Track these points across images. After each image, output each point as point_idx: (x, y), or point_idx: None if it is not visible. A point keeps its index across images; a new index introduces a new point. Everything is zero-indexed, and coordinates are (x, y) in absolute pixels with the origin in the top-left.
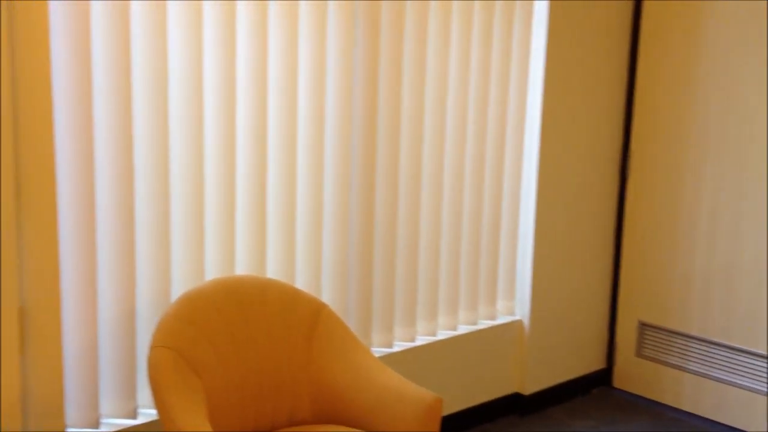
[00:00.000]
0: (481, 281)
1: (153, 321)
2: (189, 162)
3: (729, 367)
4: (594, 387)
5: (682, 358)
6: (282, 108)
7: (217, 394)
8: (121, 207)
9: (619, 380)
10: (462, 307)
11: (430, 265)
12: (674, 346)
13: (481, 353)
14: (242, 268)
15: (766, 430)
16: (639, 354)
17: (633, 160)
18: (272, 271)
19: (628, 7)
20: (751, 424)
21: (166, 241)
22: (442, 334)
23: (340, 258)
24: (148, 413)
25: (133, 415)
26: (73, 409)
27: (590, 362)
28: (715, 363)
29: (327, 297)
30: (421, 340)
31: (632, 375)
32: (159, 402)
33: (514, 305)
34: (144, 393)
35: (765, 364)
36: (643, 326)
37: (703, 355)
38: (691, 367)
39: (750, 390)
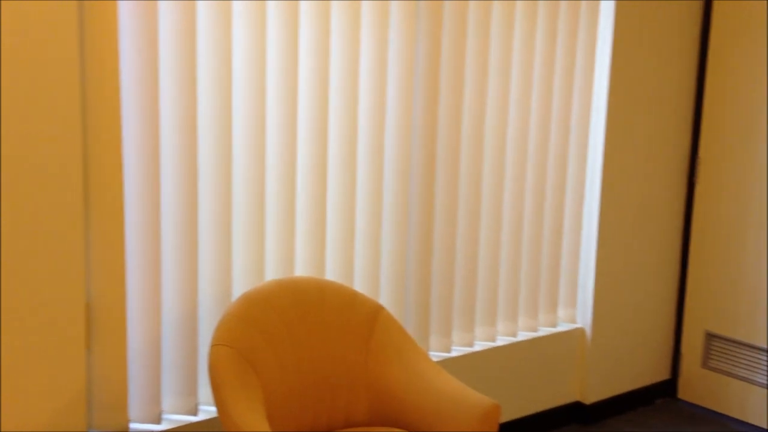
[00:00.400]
0: (542, 287)
1: (214, 320)
2: (251, 163)
3: None
4: (658, 398)
5: (750, 371)
6: (343, 108)
7: (275, 393)
8: (185, 208)
9: (684, 391)
10: (522, 314)
11: (489, 270)
12: (742, 358)
13: (541, 361)
14: (301, 269)
15: None
16: (705, 365)
17: (701, 166)
18: (331, 273)
19: (697, 7)
20: None
21: (227, 242)
22: (502, 341)
23: (399, 261)
24: (208, 410)
25: (194, 411)
26: (135, 405)
27: (654, 372)
28: None
29: (385, 300)
30: (479, 346)
31: (697, 386)
32: (218, 399)
33: (576, 313)
34: (204, 390)
35: None
36: (710, 336)
37: None
38: (758, 380)
39: None
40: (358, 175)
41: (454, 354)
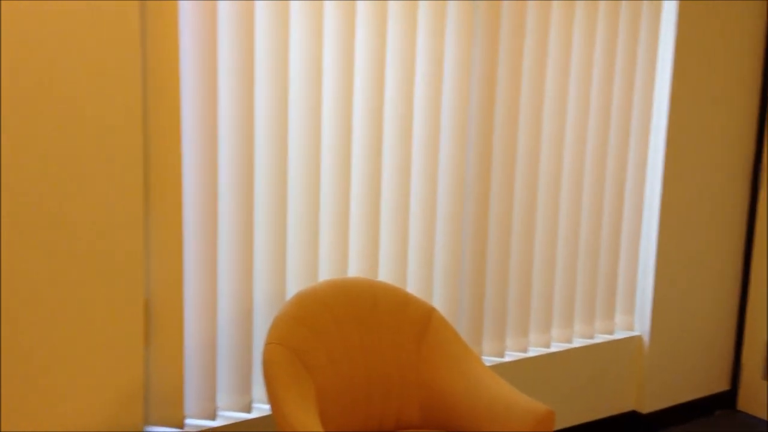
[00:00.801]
0: (599, 294)
1: (268, 318)
2: (306, 165)
3: None
4: (717, 409)
5: None
6: (398, 109)
7: (327, 393)
8: (241, 209)
9: (744, 403)
10: (578, 320)
11: (545, 275)
12: None
13: (596, 368)
14: (355, 271)
15: None
16: (767, 376)
17: (766, 171)
18: (384, 275)
19: (762, 6)
20: None
21: (282, 243)
22: (556, 347)
23: (453, 264)
24: (262, 408)
25: (248, 409)
26: (191, 401)
27: (714, 383)
28: None
29: (438, 303)
30: (533, 352)
31: (758, 398)
32: (272, 397)
33: (633, 320)
34: (258, 388)
35: None
36: None
37: None
38: None
39: None
40: (413, 176)
41: (507, 359)
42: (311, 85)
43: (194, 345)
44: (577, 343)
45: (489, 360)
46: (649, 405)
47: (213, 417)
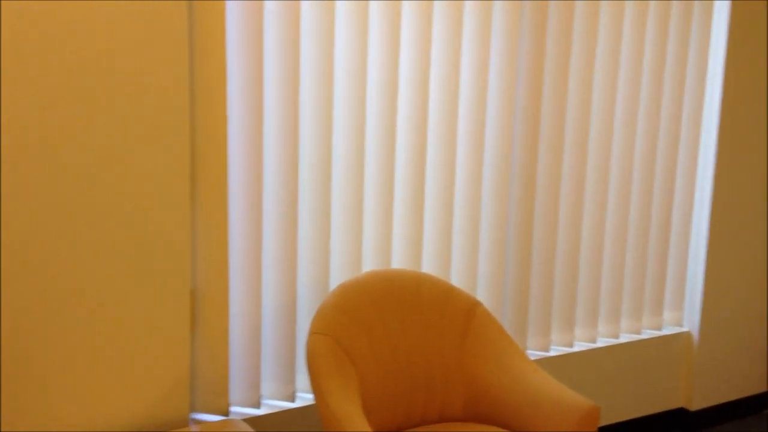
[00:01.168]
0: (647, 289)
1: (312, 309)
2: (350, 158)
3: None
4: (767, 408)
5: None
6: (443, 105)
7: (370, 384)
8: (286, 201)
9: None
10: (625, 316)
11: (591, 269)
12: None
13: (644, 364)
14: (398, 262)
15: None
16: None
17: None
18: (428, 266)
19: None
20: None
21: (326, 234)
22: (603, 342)
23: (497, 257)
24: (305, 397)
25: (292, 398)
26: (236, 389)
27: (765, 380)
28: None
29: (482, 295)
30: (579, 347)
31: None
32: (315, 386)
33: (682, 316)
34: (302, 377)
35: None
36: None
37: None
38: None
39: None
40: (457, 168)
41: (552, 354)
42: (356, 83)
43: (239, 334)
44: (624, 338)
45: (534, 354)
46: (697, 402)
47: (257, 405)
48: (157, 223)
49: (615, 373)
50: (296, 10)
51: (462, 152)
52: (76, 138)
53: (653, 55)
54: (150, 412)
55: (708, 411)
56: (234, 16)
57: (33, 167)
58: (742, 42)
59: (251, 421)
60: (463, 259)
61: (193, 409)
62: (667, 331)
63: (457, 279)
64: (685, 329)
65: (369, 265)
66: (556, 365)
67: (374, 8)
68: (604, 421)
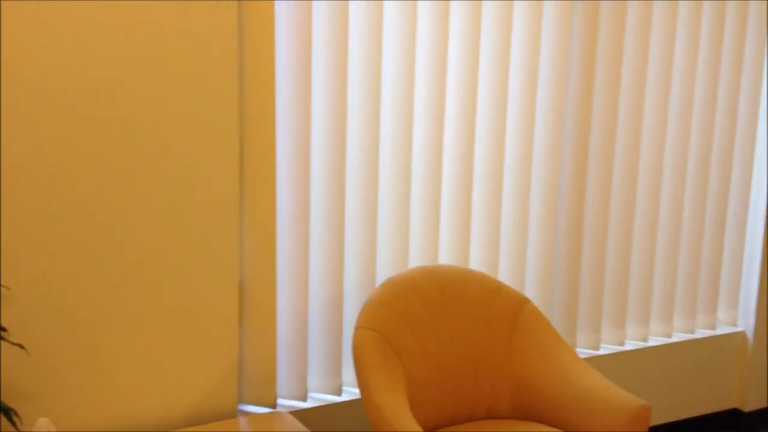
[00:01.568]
0: (701, 288)
1: (358, 303)
2: (398, 154)
3: None
4: None
5: None
6: (491, 101)
7: (417, 379)
8: (333, 197)
9: None
10: (677, 314)
11: (643, 267)
12: None
13: (696, 364)
14: (445, 258)
15: None
16: None
17: None
18: (475, 262)
19: None
20: None
21: (373, 229)
22: (654, 341)
23: (546, 253)
24: (351, 392)
25: (338, 392)
26: (283, 382)
27: None
28: None
29: (530, 292)
30: (630, 345)
31: None
32: (361, 381)
33: (737, 315)
34: (348, 372)
35: None
36: None
37: None
38: None
39: None
40: (506, 165)
41: (602, 352)
42: (404, 81)
43: (286, 327)
44: (677, 337)
45: (583, 353)
46: (751, 403)
47: (304, 398)
48: (206, 217)
49: (666, 372)
50: (345, 9)
51: (510, 148)
52: (131, 136)
53: (708, 53)
54: (199, 403)
55: (762, 412)
56: (283, 16)
57: (90, 164)
58: None
59: (298, 414)
60: (511, 256)
61: (241, 400)
62: (721, 330)
63: (504, 275)
64: (739, 329)
65: (416, 260)
66: (606, 364)
67: (423, 7)
68: (655, 421)
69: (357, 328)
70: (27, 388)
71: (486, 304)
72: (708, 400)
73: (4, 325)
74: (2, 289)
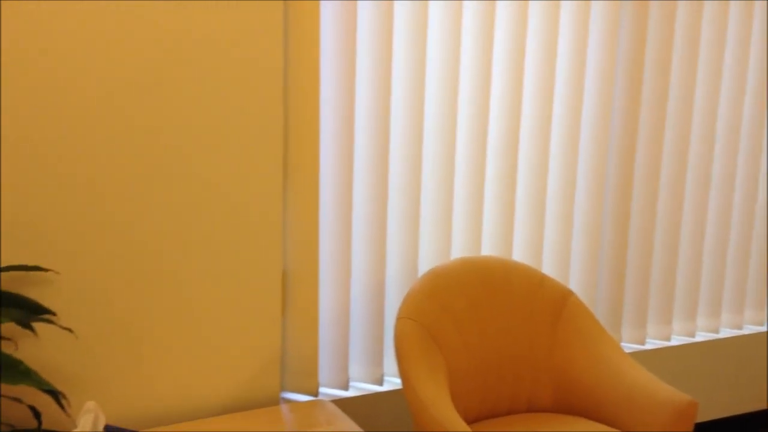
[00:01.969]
0: (750, 283)
1: (400, 294)
2: (441, 146)
3: None
4: None
5: None
6: (537, 97)
7: (458, 370)
8: (376, 187)
9: None
10: (725, 310)
11: (691, 261)
12: None
13: (745, 360)
14: (488, 249)
15: None
16: None
17: None
18: (518, 255)
19: None
20: None
21: (415, 220)
22: (702, 337)
23: (591, 246)
24: (393, 381)
25: (380, 381)
26: (325, 371)
27: None
28: None
29: (574, 285)
30: (676, 341)
31: None
32: (403, 371)
33: None
34: (389, 362)
35: None
36: None
37: None
38: None
39: None
40: (551, 156)
41: (648, 347)
42: (449, 77)
43: (328, 316)
44: (724, 333)
45: (628, 347)
46: None
47: (346, 387)
48: (251, 208)
49: (713, 368)
50: (390, 9)
51: (556, 141)
52: (181, 133)
53: (759, 52)
54: (242, 390)
55: None
56: (328, 16)
57: (142, 157)
58: None
59: (339, 402)
60: (555, 248)
61: (284, 388)
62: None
63: (548, 268)
64: None
65: (458, 252)
66: (651, 359)
67: (468, 7)
68: (702, 418)
69: (398, 319)
70: (75, 373)
71: (529, 296)
72: (757, 397)
73: (53, 309)
74: (51, 274)
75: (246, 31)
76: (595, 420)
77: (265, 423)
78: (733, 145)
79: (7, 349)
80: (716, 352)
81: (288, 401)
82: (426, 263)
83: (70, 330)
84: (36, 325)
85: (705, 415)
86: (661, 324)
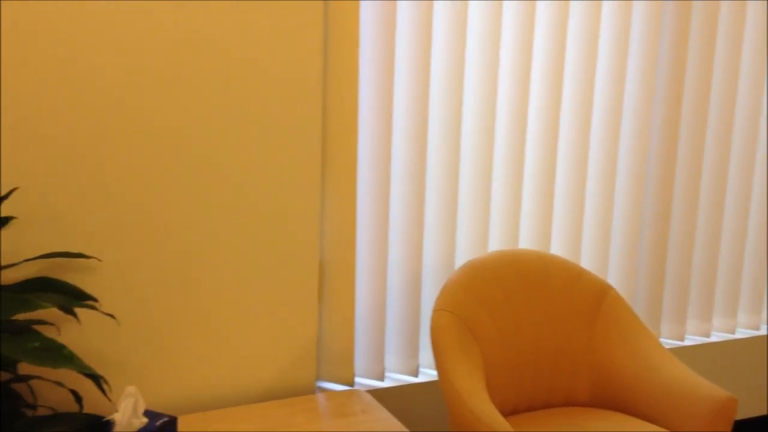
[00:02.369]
0: None
1: (437, 286)
2: (479, 137)
3: None
4: None
5: None
6: (578, 90)
7: (494, 362)
8: (414, 178)
9: None
10: (767, 305)
11: (732, 257)
12: None
13: None
14: (526, 243)
15: None
16: None
17: None
18: (556, 248)
19: None
20: None
21: (452, 212)
22: (742, 333)
23: (631, 240)
24: (428, 373)
25: (415, 373)
26: (361, 361)
27: None
28: None
29: (613, 280)
30: (716, 337)
31: None
32: (439, 363)
33: None
34: (425, 353)
35: None
36: None
37: None
38: None
39: None
40: (591, 148)
41: (687, 343)
42: (488, 75)
43: (365, 307)
44: (765, 330)
45: (667, 343)
46: None
47: (381, 378)
48: (290, 199)
49: (754, 365)
50: (429, 9)
51: (596, 131)
52: (221, 124)
53: None
54: (279, 378)
55: None
56: (368, 15)
57: (187, 150)
58: None
59: (375, 393)
60: (594, 242)
61: (320, 377)
62: None
63: (587, 261)
64: None
65: (495, 244)
66: (691, 355)
67: (508, 7)
68: (742, 415)
69: (435, 311)
70: (115, 358)
71: (567, 290)
72: None
73: (94, 295)
74: (93, 261)
75: (286, 30)
76: (633, 415)
77: (301, 411)
78: None
79: (50, 333)
80: (756, 349)
81: (324, 390)
82: (463, 256)
83: (112, 316)
84: (78, 311)
85: (745, 413)
86: (700, 320)
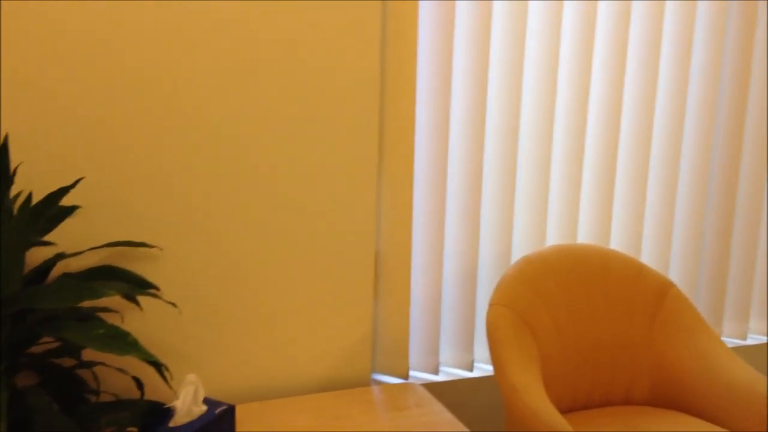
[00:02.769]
0: None
1: (493, 280)
2: (538, 130)
3: None
4: None
5: None
6: (640, 87)
7: (552, 358)
8: (470, 173)
9: None
10: None
11: None
12: None
13: None
14: (584, 237)
15: None
16: None
17: None
18: (616, 243)
19: None
20: None
21: (510, 206)
22: None
23: (694, 236)
24: (483, 368)
25: (470, 367)
26: (416, 354)
27: None
28: None
29: (674, 276)
30: None
31: None
32: (495, 357)
33: None
34: (480, 348)
35: None
36: None
37: None
38: None
39: None
40: (653, 145)
41: (750, 342)
42: (547, 72)
43: (420, 300)
44: None
45: (729, 342)
46: None
47: (436, 372)
48: (346, 190)
49: None
50: (488, 8)
51: (658, 124)
52: (281, 120)
53: None
54: (335, 370)
55: None
56: (426, 14)
57: (248, 147)
58: None
59: (429, 386)
60: (655, 238)
61: (374, 369)
62: None
63: (647, 257)
64: None
65: (553, 239)
66: (754, 354)
67: (568, 7)
68: None
69: (491, 305)
70: (176, 347)
71: (627, 286)
72: None
73: (157, 284)
74: (156, 250)
75: (345, 29)
76: (695, 415)
77: (356, 403)
78: None
79: (114, 321)
80: None
81: (378, 383)
82: (520, 251)
83: (174, 304)
84: (140, 299)
85: None
86: (763, 318)
